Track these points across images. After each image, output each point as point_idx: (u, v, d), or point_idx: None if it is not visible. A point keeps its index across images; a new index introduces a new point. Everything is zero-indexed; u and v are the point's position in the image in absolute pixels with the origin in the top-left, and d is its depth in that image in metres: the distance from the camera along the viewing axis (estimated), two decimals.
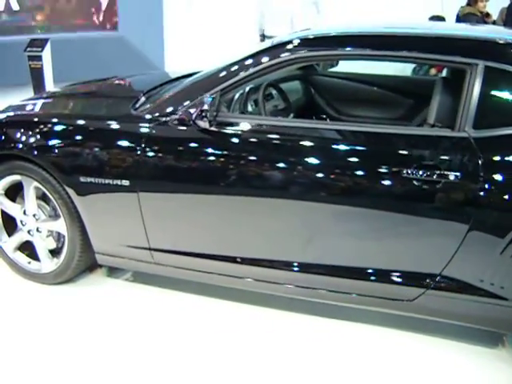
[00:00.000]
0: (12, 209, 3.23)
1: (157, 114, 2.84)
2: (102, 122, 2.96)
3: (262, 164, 2.63)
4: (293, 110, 3.68)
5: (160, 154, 2.76)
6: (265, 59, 2.71)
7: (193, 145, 2.74)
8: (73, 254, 3.09)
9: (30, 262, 3.28)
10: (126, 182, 2.82)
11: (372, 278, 2.61)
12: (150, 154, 2.76)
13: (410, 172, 2.38)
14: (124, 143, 2.84)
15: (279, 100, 3.59)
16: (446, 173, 2.35)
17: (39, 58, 7.15)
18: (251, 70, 2.72)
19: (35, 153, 2.95)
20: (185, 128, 2.74)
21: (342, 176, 2.51)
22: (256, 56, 2.76)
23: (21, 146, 2.99)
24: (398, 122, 3.61)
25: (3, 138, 3.09)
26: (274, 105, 3.51)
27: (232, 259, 2.83)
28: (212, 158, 2.69)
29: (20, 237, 3.26)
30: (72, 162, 2.91)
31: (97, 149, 2.86)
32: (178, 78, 3.64)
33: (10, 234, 3.32)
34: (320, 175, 2.52)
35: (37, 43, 7.23)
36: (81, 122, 2.99)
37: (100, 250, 3.07)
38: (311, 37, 2.83)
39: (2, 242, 3.33)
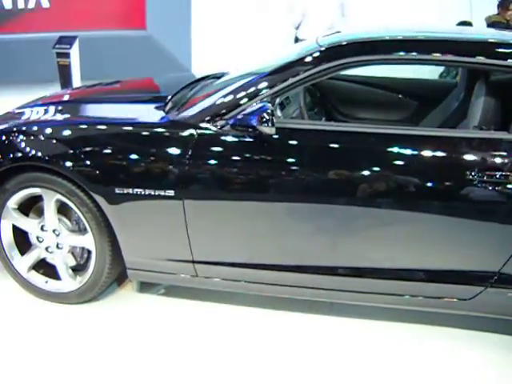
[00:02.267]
0: (28, 224, 2.95)
1: (204, 120, 2.64)
2: (138, 127, 2.75)
3: (329, 170, 2.53)
4: (323, 114, 3.59)
5: (213, 162, 2.58)
6: (318, 63, 2.59)
7: (254, 152, 2.57)
8: (101, 271, 2.85)
9: (47, 282, 3.00)
10: (170, 192, 2.60)
11: (429, 278, 2.62)
12: (200, 161, 2.58)
13: (473, 174, 2.40)
14: (168, 151, 2.62)
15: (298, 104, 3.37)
16: (508, 173, 2.39)
17: (67, 55, 7.08)
18: (304, 74, 2.59)
19: (62, 163, 2.67)
20: (243, 134, 2.56)
21: (411, 181, 2.50)
22: (307, 59, 2.64)
23: (44, 155, 2.71)
24: (404, 123, 3.54)
25: (21, 147, 2.78)
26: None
27: (286, 268, 2.73)
28: (275, 164, 2.57)
29: (36, 254, 2.98)
30: (107, 173, 2.66)
31: (135, 157, 2.63)
32: (198, 80, 3.53)
33: (22, 252, 3.01)
34: (391, 181, 2.50)
35: (65, 40, 7.16)
36: (114, 127, 2.77)
37: (133, 265, 2.84)
38: (365, 41, 2.74)
39: (15, 261, 3.00)
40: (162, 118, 2.79)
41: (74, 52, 7.15)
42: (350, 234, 2.63)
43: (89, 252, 2.90)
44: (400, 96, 3.82)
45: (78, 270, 2.97)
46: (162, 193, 2.61)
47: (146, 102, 3.33)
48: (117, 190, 2.64)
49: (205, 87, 3.31)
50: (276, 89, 2.62)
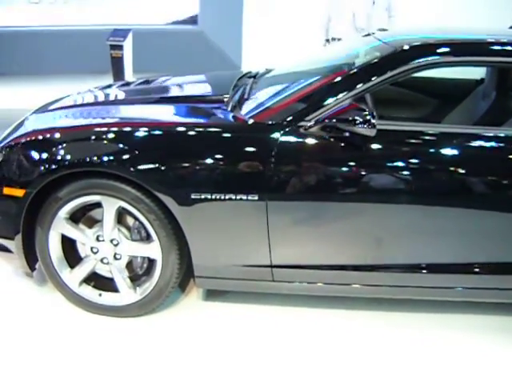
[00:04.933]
0: (82, 235, 2.71)
1: (286, 120, 2.52)
2: (214, 128, 2.60)
3: (427, 171, 2.54)
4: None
5: (300, 164, 2.48)
6: (405, 61, 2.54)
7: (348, 153, 2.49)
8: (167, 280, 2.67)
9: (101, 295, 2.78)
10: (253, 197, 2.47)
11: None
12: (286, 164, 2.47)
13: None
14: (251, 153, 2.48)
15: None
16: None
17: (120, 48, 7.08)
18: (390, 73, 2.53)
19: (131, 169, 2.48)
20: (334, 136, 2.46)
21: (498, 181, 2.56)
22: (393, 58, 2.59)
23: (109, 160, 2.49)
24: (426, 121, 3.44)
25: (79, 151, 2.57)
26: None
27: (366, 268, 2.67)
28: (371, 166, 2.51)
29: (90, 267, 2.75)
30: (182, 178, 2.50)
31: (215, 160, 2.48)
32: (243, 77, 3.46)
33: (70, 265, 2.78)
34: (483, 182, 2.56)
35: (119, 33, 7.18)
36: (186, 129, 2.59)
37: (204, 272, 2.69)
38: (454, 42, 2.75)
39: (64, 274, 2.76)
40: (235, 118, 2.66)
41: (128, 44, 7.17)
42: (437, 233, 2.61)
43: (149, 261, 2.72)
44: (419, 94, 3.75)
45: (134, 280, 2.79)
46: (245, 197, 2.48)
47: (201, 101, 3.14)
48: (193, 196, 2.48)
49: (264, 85, 3.19)
50: (360, 89, 2.53)
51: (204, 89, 3.67)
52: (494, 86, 3.33)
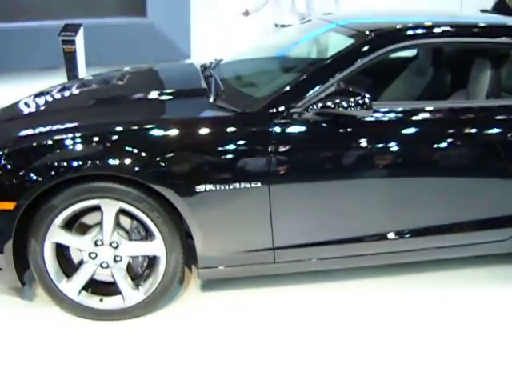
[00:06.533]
0: (80, 242, 2.63)
1: (277, 108, 2.62)
2: (210, 122, 2.65)
3: (428, 146, 2.80)
4: None
5: (299, 149, 2.62)
6: (383, 45, 2.78)
7: (347, 135, 2.67)
8: (172, 276, 2.68)
9: (101, 300, 2.70)
10: (257, 184, 2.55)
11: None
12: (285, 150, 2.58)
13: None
14: (250, 142, 2.58)
15: None
16: None
17: (73, 42, 7.03)
18: (368, 58, 2.74)
19: (133, 169, 2.47)
20: (330, 119, 2.61)
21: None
22: (369, 43, 2.79)
23: (109, 162, 2.48)
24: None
25: (75, 155, 2.50)
26: None
27: (365, 238, 2.86)
28: (372, 145, 2.71)
29: (89, 273, 2.66)
30: (185, 173, 2.52)
31: (214, 153, 2.55)
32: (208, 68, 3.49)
33: (67, 275, 2.68)
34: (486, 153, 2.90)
35: (70, 28, 7.10)
36: (182, 125, 2.63)
37: (208, 263, 2.71)
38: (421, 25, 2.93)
39: (62, 284, 2.66)
40: (225, 110, 2.71)
41: (79, 39, 7.15)
42: (438, 200, 2.90)
43: (149, 259, 2.73)
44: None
45: (134, 280, 2.75)
46: (248, 185, 2.54)
47: (179, 95, 3.17)
48: (197, 189, 2.51)
49: (234, 74, 3.29)
50: (345, 73, 2.70)
51: (171, 83, 3.50)
52: (430, 62, 3.58)
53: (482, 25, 3.11)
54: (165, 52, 7.88)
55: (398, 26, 2.90)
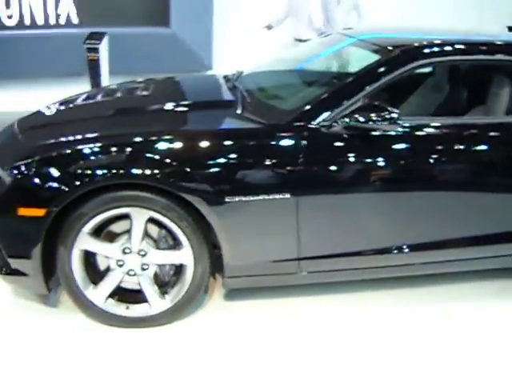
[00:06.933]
0: (108, 249, 2.67)
1: (308, 121, 2.68)
2: (237, 133, 2.70)
3: (457, 162, 2.88)
4: None
5: (327, 161, 2.66)
6: (408, 62, 2.83)
7: (374, 148, 2.73)
8: (199, 285, 2.70)
9: (128, 308, 2.73)
10: (285, 195, 2.58)
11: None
12: (314, 162, 2.62)
13: None
14: (279, 155, 2.60)
15: None
16: None
17: (97, 50, 7.12)
18: (394, 73, 2.80)
19: (164, 178, 2.51)
20: (358, 133, 2.67)
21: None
22: (395, 59, 2.86)
23: (139, 171, 2.50)
24: None
25: (105, 163, 2.53)
26: None
27: (391, 250, 2.90)
28: (399, 160, 2.80)
29: (116, 281, 2.70)
30: (216, 183, 2.55)
31: (246, 165, 2.59)
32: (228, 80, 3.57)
33: (93, 282, 2.72)
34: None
35: (95, 36, 7.19)
36: (212, 136, 2.68)
37: (234, 272, 2.73)
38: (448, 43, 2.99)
39: (88, 292, 2.69)
40: (253, 122, 2.76)
41: (103, 47, 7.22)
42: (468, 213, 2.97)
43: (176, 267, 2.75)
44: None
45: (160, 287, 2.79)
46: (277, 196, 2.57)
47: (207, 106, 3.25)
48: (227, 199, 2.54)
49: (263, 86, 3.36)
50: (372, 87, 2.75)
51: (197, 94, 3.62)
52: (447, 78, 3.62)
53: (505, 43, 3.15)
54: (187, 63, 7.92)
55: (424, 43, 2.92)
